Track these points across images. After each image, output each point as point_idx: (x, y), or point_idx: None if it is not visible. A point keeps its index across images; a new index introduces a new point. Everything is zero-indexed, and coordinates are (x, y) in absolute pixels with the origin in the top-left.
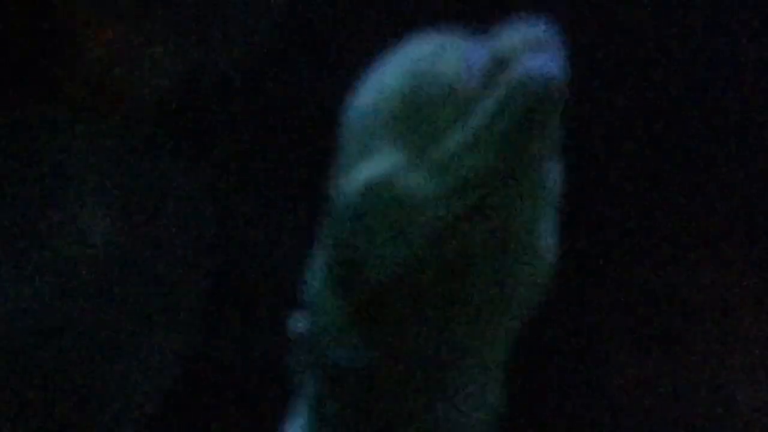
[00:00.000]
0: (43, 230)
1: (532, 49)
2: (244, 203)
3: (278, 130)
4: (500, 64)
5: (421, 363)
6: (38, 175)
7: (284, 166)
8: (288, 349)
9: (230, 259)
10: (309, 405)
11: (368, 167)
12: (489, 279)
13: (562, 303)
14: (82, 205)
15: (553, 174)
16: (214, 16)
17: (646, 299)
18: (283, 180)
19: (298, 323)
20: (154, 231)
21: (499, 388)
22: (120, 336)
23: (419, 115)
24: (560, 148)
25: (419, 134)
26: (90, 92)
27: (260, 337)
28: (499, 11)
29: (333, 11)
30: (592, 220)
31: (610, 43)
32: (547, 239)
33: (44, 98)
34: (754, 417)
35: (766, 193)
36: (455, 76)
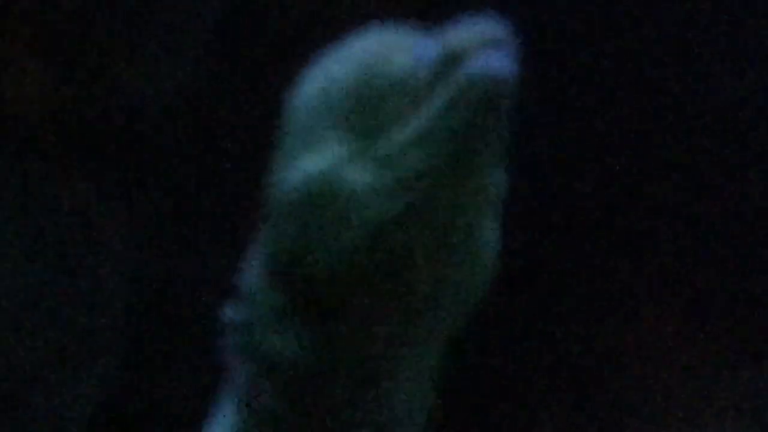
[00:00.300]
0: None
1: (484, 47)
2: (165, 236)
3: (200, 157)
4: (451, 60)
5: (356, 356)
6: None
7: (205, 197)
8: (221, 338)
9: (150, 293)
10: (239, 398)
11: (311, 159)
12: (429, 276)
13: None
14: None
15: (499, 175)
16: (131, 53)
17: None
18: (204, 212)
19: (233, 312)
20: (69, 264)
21: (432, 393)
22: (35, 374)
23: (366, 107)
24: (507, 149)
25: (365, 127)
26: (7, 121)
27: (182, 371)
28: (453, 8)
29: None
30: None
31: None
32: (489, 241)
33: None
34: None
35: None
36: (404, 70)
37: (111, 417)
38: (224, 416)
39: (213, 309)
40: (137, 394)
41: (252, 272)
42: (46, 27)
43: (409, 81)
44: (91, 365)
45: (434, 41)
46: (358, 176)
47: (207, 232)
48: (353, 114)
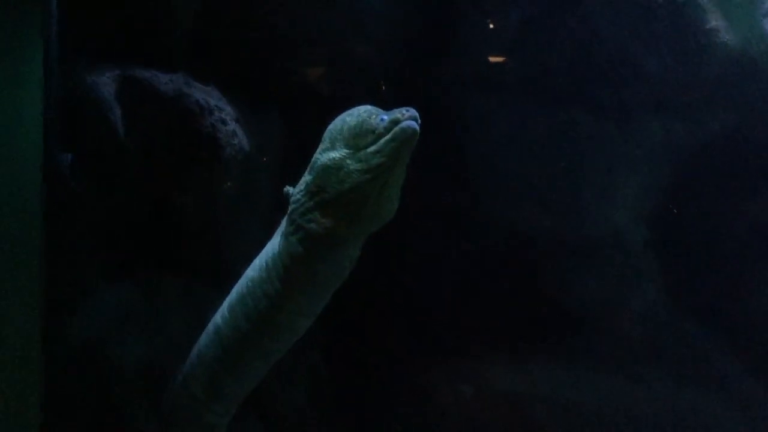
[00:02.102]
0: None
1: (407, 118)
2: None
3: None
4: (394, 122)
5: (339, 233)
6: None
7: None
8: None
9: None
10: (282, 241)
11: (332, 153)
12: (373, 206)
13: None
14: None
15: (405, 170)
16: None
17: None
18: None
19: (288, 209)
20: None
21: (357, 255)
22: None
23: (358, 136)
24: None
25: (357, 144)
26: None
27: None
28: (396, 104)
29: None
30: None
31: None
32: (396, 195)
33: None
34: None
35: None
36: (375, 124)
37: None
38: (274, 245)
39: None
40: None
41: (299, 192)
42: None
43: (377, 128)
44: None
45: (389, 114)
46: (351, 164)
47: None
48: (353, 138)
